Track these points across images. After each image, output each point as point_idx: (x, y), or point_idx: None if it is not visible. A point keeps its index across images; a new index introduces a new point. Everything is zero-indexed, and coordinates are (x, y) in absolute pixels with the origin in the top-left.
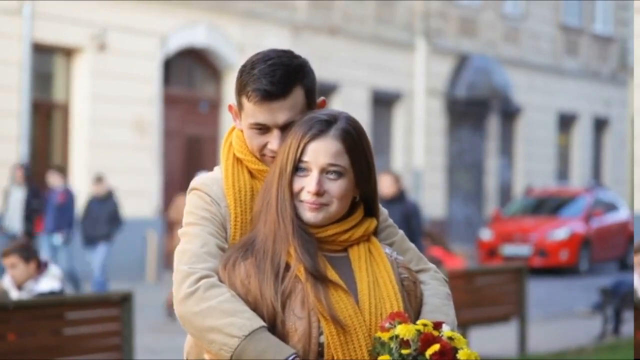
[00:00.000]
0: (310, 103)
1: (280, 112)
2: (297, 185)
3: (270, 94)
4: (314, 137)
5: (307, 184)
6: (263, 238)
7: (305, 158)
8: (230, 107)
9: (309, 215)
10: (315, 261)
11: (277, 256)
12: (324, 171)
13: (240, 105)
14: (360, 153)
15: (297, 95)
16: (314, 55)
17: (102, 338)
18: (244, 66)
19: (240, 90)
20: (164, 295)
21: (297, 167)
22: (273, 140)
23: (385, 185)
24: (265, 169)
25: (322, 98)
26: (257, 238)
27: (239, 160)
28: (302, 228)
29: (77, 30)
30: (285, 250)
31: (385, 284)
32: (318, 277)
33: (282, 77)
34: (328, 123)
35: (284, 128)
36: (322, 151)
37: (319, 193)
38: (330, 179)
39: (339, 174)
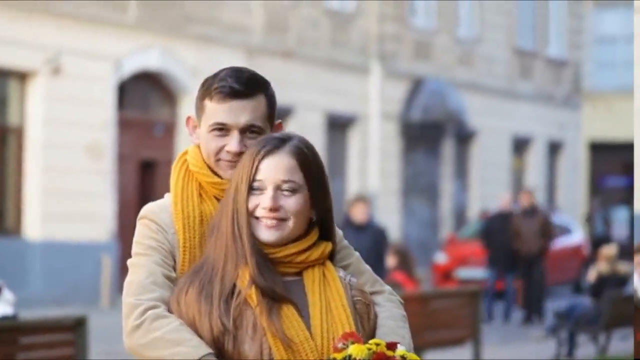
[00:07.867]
0: (272, 118)
1: (242, 112)
2: (252, 203)
3: (236, 91)
4: (267, 154)
5: (262, 201)
6: (212, 261)
7: (259, 176)
8: (188, 120)
9: (265, 233)
10: (273, 282)
11: (228, 277)
12: (278, 188)
13: (202, 110)
14: (313, 170)
15: (261, 101)
16: (269, 79)
17: None
18: (209, 76)
19: (204, 94)
20: (119, 320)
21: (252, 186)
22: (231, 142)
23: (360, 212)
24: (218, 181)
25: (278, 121)
26: (205, 262)
27: (188, 183)
28: (258, 248)
29: (30, 54)
30: (235, 272)
31: (338, 309)
32: (275, 299)
33: (248, 79)
34: (281, 141)
35: (244, 132)
36: (275, 167)
37: (274, 209)
38: (285, 195)
39: (293, 190)
